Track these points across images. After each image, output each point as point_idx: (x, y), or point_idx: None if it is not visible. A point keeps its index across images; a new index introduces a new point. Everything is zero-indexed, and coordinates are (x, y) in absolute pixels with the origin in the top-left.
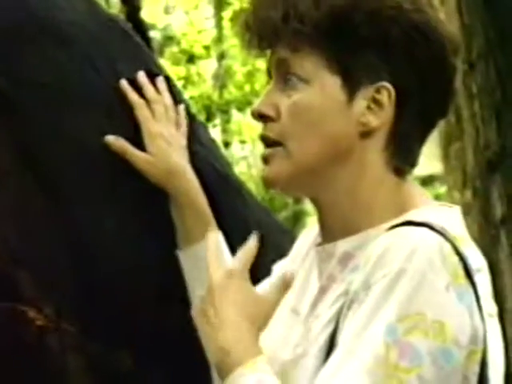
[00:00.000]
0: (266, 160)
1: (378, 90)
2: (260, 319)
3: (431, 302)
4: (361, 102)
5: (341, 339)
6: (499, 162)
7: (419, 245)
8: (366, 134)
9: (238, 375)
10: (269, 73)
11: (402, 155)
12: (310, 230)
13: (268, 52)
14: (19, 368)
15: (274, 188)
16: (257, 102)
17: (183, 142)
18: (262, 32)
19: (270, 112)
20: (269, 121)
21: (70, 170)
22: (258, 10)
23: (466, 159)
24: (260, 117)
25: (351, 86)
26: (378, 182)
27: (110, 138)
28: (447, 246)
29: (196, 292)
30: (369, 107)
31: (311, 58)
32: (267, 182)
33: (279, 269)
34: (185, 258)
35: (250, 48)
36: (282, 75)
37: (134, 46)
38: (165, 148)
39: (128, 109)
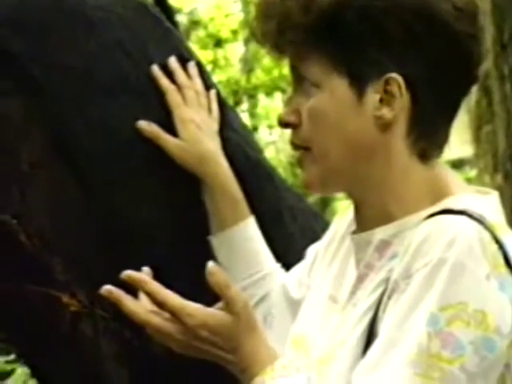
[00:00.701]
0: (300, 163)
1: (386, 82)
2: (255, 323)
3: (472, 292)
4: (372, 97)
5: (382, 329)
6: None
7: (459, 234)
8: (385, 126)
9: (257, 383)
10: (292, 75)
11: (426, 139)
12: (344, 216)
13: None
14: (54, 352)
15: (312, 191)
16: (282, 110)
17: (215, 127)
18: (267, 42)
19: (292, 119)
20: (294, 127)
21: (102, 157)
22: (257, 22)
23: (497, 142)
24: (285, 125)
25: (359, 84)
26: (407, 170)
27: (143, 124)
28: (486, 235)
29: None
30: (381, 100)
31: (316, 62)
32: (305, 187)
33: (313, 252)
34: (218, 243)
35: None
36: (298, 81)
37: (164, 30)
38: (196, 133)
39: (159, 94)
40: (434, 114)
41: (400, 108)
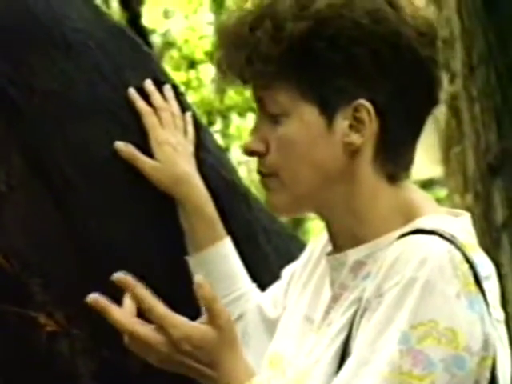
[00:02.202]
0: (266, 187)
1: (356, 109)
2: (236, 339)
3: (443, 310)
4: (342, 124)
5: (354, 347)
6: (500, 165)
7: (430, 253)
8: (354, 152)
9: None
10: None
11: (392, 162)
12: (320, 237)
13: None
14: (30, 373)
15: (279, 214)
16: (247, 139)
17: (190, 149)
18: (232, 73)
19: (260, 148)
20: (260, 156)
21: (79, 180)
22: (224, 51)
23: (467, 163)
24: (251, 153)
25: (329, 112)
26: (374, 193)
27: (120, 145)
28: (457, 254)
29: None
30: (351, 126)
31: (283, 92)
32: (271, 209)
33: (289, 273)
34: (195, 263)
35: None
36: (264, 110)
37: (141, 53)
38: (172, 155)
39: (136, 116)
40: (400, 138)
41: (369, 134)
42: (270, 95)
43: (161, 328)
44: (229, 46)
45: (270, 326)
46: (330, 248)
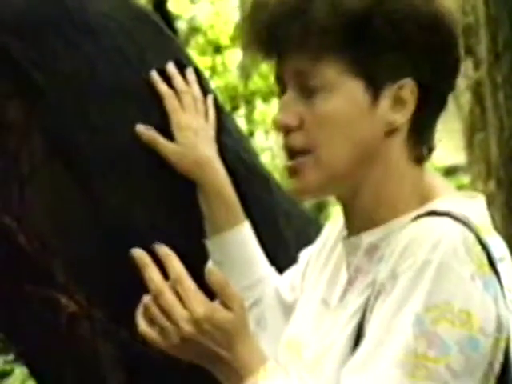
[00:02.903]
0: (293, 171)
1: (400, 88)
2: (248, 324)
3: (457, 292)
4: (385, 102)
5: (369, 329)
6: None
7: (443, 235)
8: (391, 132)
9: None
10: (278, 80)
11: (424, 143)
12: (337, 221)
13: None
14: (52, 353)
15: (306, 197)
16: (277, 113)
17: (211, 132)
18: (276, 45)
19: (294, 122)
20: (292, 131)
21: (99, 160)
22: (271, 20)
23: (490, 149)
24: (283, 129)
25: (375, 88)
26: (402, 175)
27: (141, 128)
28: (470, 236)
29: None
30: (393, 105)
31: (333, 65)
32: (299, 193)
33: (306, 256)
34: (213, 247)
35: (252, 54)
36: (301, 84)
37: (164, 37)
38: (193, 139)
39: (158, 99)
40: (432, 120)
41: (409, 114)
42: (316, 68)
43: (185, 302)
44: (280, 15)
45: (288, 310)
46: (345, 232)
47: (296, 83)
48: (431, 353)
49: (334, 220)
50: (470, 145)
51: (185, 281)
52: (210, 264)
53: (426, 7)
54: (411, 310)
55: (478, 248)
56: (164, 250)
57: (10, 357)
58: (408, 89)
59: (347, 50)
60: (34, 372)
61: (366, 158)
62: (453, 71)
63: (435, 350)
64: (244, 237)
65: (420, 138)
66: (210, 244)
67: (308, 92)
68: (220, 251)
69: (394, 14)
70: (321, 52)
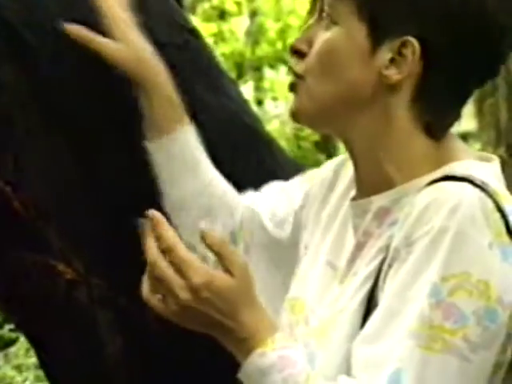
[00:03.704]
0: (292, 89)
1: (403, 44)
2: (253, 288)
3: (475, 261)
4: (385, 54)
5: (383, 298)
6: None
7: (461, 201)
8: (391, 87)
9: (258, 354)
10: (313, 5)
11: (432, 114)
12: (344, 171)
13: None
14: (50, 320)
15: (299, 122)
16: (297, 38)
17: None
18: None
19: (303, 47)
20: (301, 56)
21: (98, 127)
22: None
23: (500, 115)
24: (295, 52)
25: (377, 36)
26: (407, 138)
27: (68, 27)
28: (489, 203)
29: (167, 188)
30: (393, 60)
31: (346, 2)
32: (292, 115)
33: (300, 193)
34: (154, 149)
35: None
36: (320, 13)
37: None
38: (132, 34)
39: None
40: (443, 92)
41: (408, 73)
42: (336, 1)
43: (180, 271)
44: None
45: (272, 245)
46: (353, 192)
47: (318, 10)
48: (448, 324)
49: (338, 167)
50: (479, 111)
51: (177, 250)
52: (202, 225)
53: None
54: (427, 280)
55: (497, 215)
56: (156, 217)
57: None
58: (410, 47)
59: None
60: (32, 340)
61: (358, 101)
62: (479, 58)
63: (452, 321)
64: (188, 139)
65: (427, 106)
66: (151, 146)
67: (323, 21)
68: (161, 154)
69: None
70: None
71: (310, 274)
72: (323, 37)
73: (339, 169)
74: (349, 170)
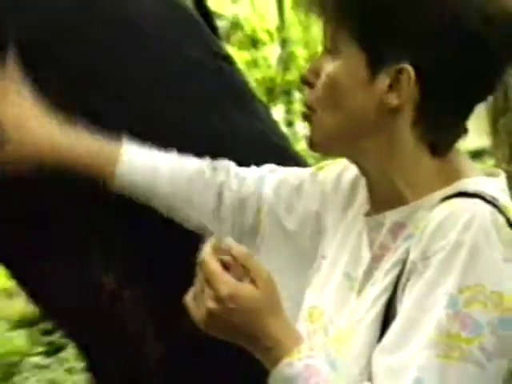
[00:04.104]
0: (305, 119)
1: (399, 71)
2: (279, 300)
3: (489, 273)
4: (383, 81)
5: (401, 309)
6: None
7: (474, 217)
8: (392, 111)
9: (285, 364)
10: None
11: (433, 131)
12: (357, 188)
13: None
14: (95, 331)
15: (315, 151)
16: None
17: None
18: (312, 3)
19: (310, 78)
20: (310, 87)
21: None
22: None
23: None
24: (304, 82)
25: (375, 65)
26: (414, 156)
27: None
28: (500, 218)
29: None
30: (391, 86)
31: (345, 32)
32: (309, 145)
33: (317, 193)
34: (120, 183)
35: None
36: (326, 45)
37: (200, 29)
38: (18, 132)
39: None
40: (443, 112)
41: (407, 98)
42: (334, 31)
43: (209, 282)
44: None
45: (287, 235)
46: (366, 208)
47: (325, 42)
48: (464, 333)
49: (355, 181)
50: (494, 129)
51: (209, 263)
52: (228, 239)
53: (444, 3)
54: (444, 291)
55: (508, 230)
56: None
57: None
58: (406, 74)
59: (359, 19)
60: (79, 346)
61: (365, 128)
62: (476, 76)
63: (468, 331)
64: (132, 161)
65: (429, 126)
66: (115, 183)
67: (329, 52)
68: (126, 183)
69: (416, 8)
70: (339, 15)
71: (328, 285)
72: (327, 69)
73: (357, 183)
74: (362, 187)
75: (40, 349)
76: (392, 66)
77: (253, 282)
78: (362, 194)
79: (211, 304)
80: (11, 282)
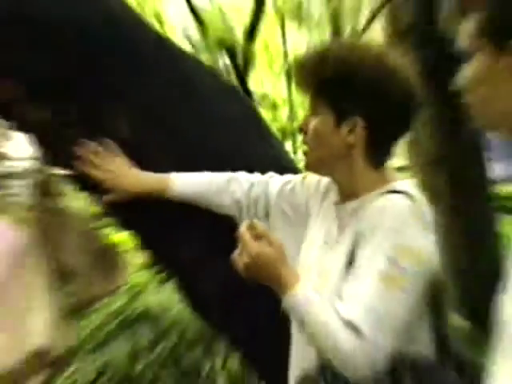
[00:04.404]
0: (304, 154)
1: (353, 122)
2: (286, 256)
3: (409, 238)
4: (345, 128)
5: (358, 259)
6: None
7: (401, 205)
8: (351, 146)
9: (291, 294)
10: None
11: (376, 156)
12: (318, 188)
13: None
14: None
15: (308, 170)
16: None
17: (124, 162)
18: (304, 84)
19: (305, 129)
20: (305, 133)
21: None
22: (302, 73)
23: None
24: (301, 129)
25: (340, 120)
26: (365, 170)
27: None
28: (416, 206)
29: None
30: (350, 130)
31: (321, 101)
32: (306, 168)
33: (303, 196)
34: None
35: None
36: (312, 108)
37: (243, 104)
38: (115, 178)
39: None
40: (382, 143)
41: (359, 137)
42: (317, 100)
43: (245, 247)
44: (303, 70)
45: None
46: (335, 199)
47: (311, 106)
48: (398, 275)
49: (327, 187)
50: (409, 154)
51: (245, 235)
52: (255, 221)
53: (378, 70)
54: (384, 249)
55: (420, 213)
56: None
57: None
58: (358, 124)
59: (328, 93)
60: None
61: (338, 156)
62: (404, 118)
63: (398, 272)
64: (180, 187)
65: (376, 152)
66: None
67: (314, 113)
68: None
69: (358, 81)
70: (318, 90)
71: (313, 248)
72: (313, 123)
73: (329, 187)
74: (333, 190)
75: None
76: (350, 119)
77: (270, 245)
78: (333, 193)
79: (247, 259)
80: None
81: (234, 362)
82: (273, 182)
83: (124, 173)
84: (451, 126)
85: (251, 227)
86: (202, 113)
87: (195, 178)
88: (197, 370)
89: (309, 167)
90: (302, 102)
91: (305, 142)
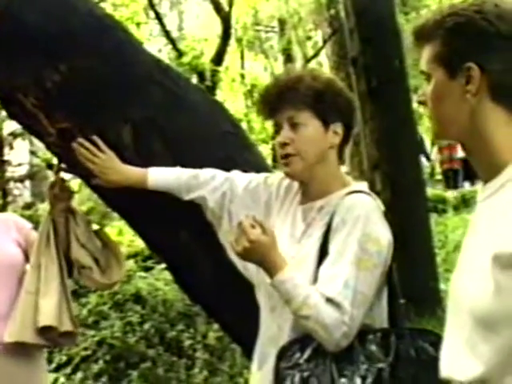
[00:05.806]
0: (286, 164)
1: (336, 127)
2: (277, 243)
3: (374, 228)
4: (330, 133)
5: (331, 248)
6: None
7: (365, 203)
8: (331, 147)
9: (280, 276)
10: (276, 125)
11: (343, 157)
12: (280, 187)
13: (274, 116)
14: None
15: (294, 179)
16: (280, 138)
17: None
18: (283, 105)
19: (287, 140)
20: (286, 145)
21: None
22: (282, 94)
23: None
24: (281, 143)
25: (325, 126)
26: (336, 171)
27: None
28: (376, 203)
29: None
30: (333, 134)
31: (307, 112)
32: (290, 176)
33: (266, 193)
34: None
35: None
36: (291, 123)
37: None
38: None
39: None
40: (344, 145)
41: (339, 141)
42: (299, 114)
43: (244, 233)
44: (283, 92)
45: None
46: (299, 199)
47: (288, 123)
48: (366, 257)
49: (287, 188)
50: (351, 160)
51: (244, 223)
52: (253, 214)
53: (331, 87)
54: (355, 237)
55: (379, 209)
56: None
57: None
58: (339, 128)
59: (313, 107)
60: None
61: (321, 159)
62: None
63: (367, 256)
64: (153, 181)
65: (342, 155)
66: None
67: (294, 126)
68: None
69: (334, 95)
70: (301, 107)
71: (280, 241)
72: (300, 133)
73: (290, 188)
74: (294, 190)
75: None
76: (331, 126)
77: (264, 233)
78: (293, 193)
79: (245, 243)
80: None
81: (213, 336)
82: (238, 177)
83: (110, 165)
84: (388, 136)
85: (249, 218)
86: (198, 124)
87: (167, 174)
88: (180, 343)
89: (295, 175)
90: (258, 118)
91: (285, 155)
